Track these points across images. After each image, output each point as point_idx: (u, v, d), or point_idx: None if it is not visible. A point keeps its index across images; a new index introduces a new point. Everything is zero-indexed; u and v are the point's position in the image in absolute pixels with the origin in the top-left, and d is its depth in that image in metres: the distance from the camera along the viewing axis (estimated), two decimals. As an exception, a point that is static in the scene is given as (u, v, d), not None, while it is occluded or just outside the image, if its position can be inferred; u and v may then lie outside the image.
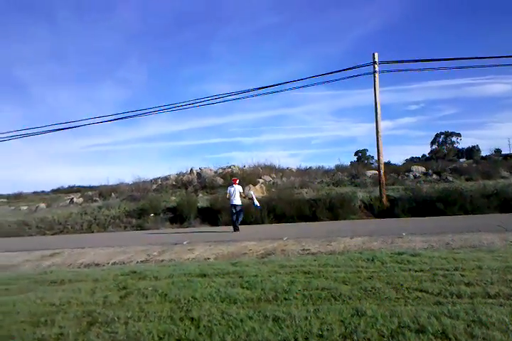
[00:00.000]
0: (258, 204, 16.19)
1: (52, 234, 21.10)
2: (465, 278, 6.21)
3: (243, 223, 16.61)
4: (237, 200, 15.22)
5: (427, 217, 15.88)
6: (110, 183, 32.08)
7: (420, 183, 22.73)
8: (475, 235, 10.43)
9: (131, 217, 21.28)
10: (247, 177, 25.17)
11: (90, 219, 21.81)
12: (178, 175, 30.02)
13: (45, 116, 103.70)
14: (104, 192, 30.02)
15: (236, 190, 15.31)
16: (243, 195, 15.87)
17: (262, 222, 17.87)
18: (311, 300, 5.70)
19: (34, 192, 44.07)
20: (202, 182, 27.37)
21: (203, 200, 21.94)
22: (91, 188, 36.03)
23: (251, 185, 22.93)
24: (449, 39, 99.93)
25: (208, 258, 10.57)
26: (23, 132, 20.74)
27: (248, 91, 19.63)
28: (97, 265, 11.34)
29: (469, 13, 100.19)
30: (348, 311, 5.06)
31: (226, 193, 16.00)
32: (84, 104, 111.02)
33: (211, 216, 19.55)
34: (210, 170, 29.61)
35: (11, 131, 20.79)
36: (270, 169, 29.12)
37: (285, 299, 5.83)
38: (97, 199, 28.84)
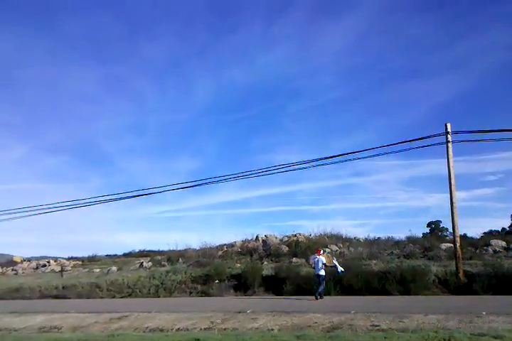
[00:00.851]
0: (342, 269, 16.28)
1: (121, 297, 21.64)
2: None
3: (308, 294, 16.37)
4: (321, 271, 15.60)
5: (509, 296, 14.53)
6: (178, 248, 32.80)
7: (501, 258, 21.03)
8: None
9: (197, 283, 21.43)
10: (313, 245, 24.75)
11: (158, 283, 22.21)
12: (244, 241, 30.17)
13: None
14: (172, 257, 30.63)
15: (320, 260, 15.74)
16: (327, 265, 16.02)
17: (328, 294, 17.20)
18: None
19: (107, 255, 45.85)
20: (267, 249, 27.23)
21: (267, 268, 21.73)
22: (160, 253, 36.89)
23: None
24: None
25: (272, 329, 10.32)
26: (102, 198, 22.34)
27: (316, 160, 20.06)
28: (162, 330, 11.45)
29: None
30: None
31: (311, 263, 16.84)
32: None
33: (276, 284, 19.20)
34: (276, 237, 29.51)
35: (92, 197, 22.45)
36: (337, 238, 28.49)
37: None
38: (165, 263, 29.45)
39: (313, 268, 15.95)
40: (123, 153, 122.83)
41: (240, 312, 12.81)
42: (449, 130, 18.12)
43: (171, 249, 33.50)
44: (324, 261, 15.75)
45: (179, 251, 31.99)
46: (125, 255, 43.81)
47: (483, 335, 7.69)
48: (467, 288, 16.16)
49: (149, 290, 21.70)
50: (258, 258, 26.07)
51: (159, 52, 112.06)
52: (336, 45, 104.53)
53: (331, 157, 20.20)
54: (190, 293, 20.75)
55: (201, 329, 11.11)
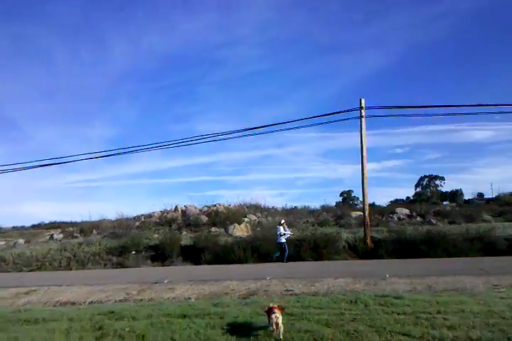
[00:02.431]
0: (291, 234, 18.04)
1: (29, 271, 20.41)
2: (447, 321, 6.18)
3: (226, 262, 16.74)
4: (281, 239, 17.08)
5: (410, 259, 15.84)
6: (92, 219, 31.52)
7: (404, 225, 22.83)
8: (458, 278, 10.43)
9: (112, 255, 20.78)
10: (232, 216, 25.04)
11: (69, 255, 21.22)
12: (163, 212, 29.70)
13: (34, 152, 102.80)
14: (85, 228, 29.41)
15: (278, 230, 17.31)
16: (284, 233, 17.40)
17: (246, 262, 17.61)
18: (293, 343, 5.60)
19: (14, 227, 42.99)
20: (186, 220, 27.09)
21: (186, 238, 21.65)
22: (72, 224, 35.24)
23: (236, 224, 22.79)
24: (439, 86, 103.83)
25: (189, 298, 10.32)
26: (7, 167, 20.52)
27: (235, 132, 19.94)
28: (74, 304, 10.97)
29: (458, 61, 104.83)
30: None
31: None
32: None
33: (194, 254, 19.21)
34: (195, 208, 29.40)
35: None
36: (256, 208, 29.06)
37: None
38: (78, 235, 28.24)
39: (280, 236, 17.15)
40: (31, 119, 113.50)
41: (156, 283, 12.67)
42: (363, 105, 18.84)
43: (85, 220, 32.19)
44: (281, 231, 17.12)
45: (93, 222, 30.77)
46: (34, 227, 41.37)
47: (385, 296, 8.27)
48: (374, 253, 17.36)
49: (60, 263, 20.67)
50: (177, 228, 25.87)
51: (72, 12, 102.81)
52: (260, 17, 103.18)
53: (252, 128, 20.22)
54: (105, 264, 20.09)
55: (116, 301, 10.81)
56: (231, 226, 23.12)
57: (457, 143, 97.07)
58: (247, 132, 19.78)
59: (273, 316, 5.85)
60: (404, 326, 6.07)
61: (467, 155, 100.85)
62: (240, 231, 22.69)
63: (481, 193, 47.37)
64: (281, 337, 5.80)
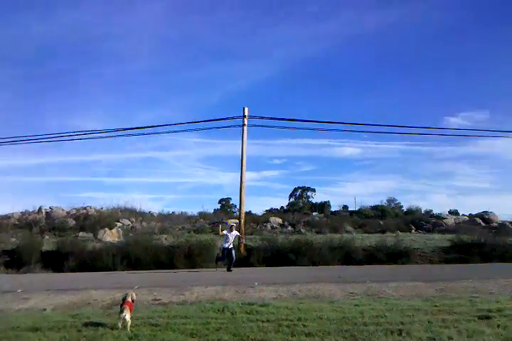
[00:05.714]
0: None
1: None
2: (306, 328, 6.49)
3: (93, 270, 15.85)
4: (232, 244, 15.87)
5: (279, 267, 16.53)
6: None
7: (276, 234, 23.81)
8: (319, 285, 11.09)
9: (-43, 260, 18.20)
10: (104, 220, 23.74)
11: None
12: (23, 213, 26.97)
13: None
14: None
15: (234, 235, 16.09)
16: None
17: (114, 269, 16.72)
18: (154, 356, 5.39)
19: None
20: (50, 223, 24.91)
21: (49, 243, 19.88)
22: None
23: (106, 229, 21.61)
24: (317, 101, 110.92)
25: (44, 309, 9.40)
26: None
27: (116, 130, 19.05)
28: None
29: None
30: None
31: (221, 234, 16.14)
32: None
33: (57, 260, 17.67)
34: (62, 210, 27.25)
35: None
36: (130, 212, 27.95)
37: (126, 355, 5.43)
38: None
39: (225, 241, 15.69)
40: None
41: (8, 292, 11.35)
42: (246, 114, 19.35)
43: None
44: (233, 234, 15.94)
45: None
46: None
47: (252, 304, 8.45)
48: (246, 261, 17.77)
49: None
50: (39, 232, 23.64)
51: None
52: (149, 13, 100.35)
53: (134, 128, 19.54)
54: None
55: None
56: (101, 231, 21.85)
57: (329, 158, 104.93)
58: (126, 132, 19.03)
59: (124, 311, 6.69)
60: (266, 333, 6.23)
61: (336, 169, 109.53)
62: (111, 236, 21.56)
63: (345, 206, 51.52)
64: (128, 330, 6.51)
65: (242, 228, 18.95)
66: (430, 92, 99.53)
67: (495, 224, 32.01)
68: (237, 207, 21.49)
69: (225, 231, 15.90)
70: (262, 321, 7.03)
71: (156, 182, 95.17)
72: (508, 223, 31.93)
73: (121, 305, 6.86)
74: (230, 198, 62.69)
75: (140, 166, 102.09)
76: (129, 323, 6.63)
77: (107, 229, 21.98)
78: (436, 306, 8.11)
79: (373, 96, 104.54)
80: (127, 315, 6.64)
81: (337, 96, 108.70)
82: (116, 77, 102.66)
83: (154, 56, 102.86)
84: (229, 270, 15.60)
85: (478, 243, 19.16)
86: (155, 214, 30.00)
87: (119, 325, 6.66)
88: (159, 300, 9.92)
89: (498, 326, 6.40)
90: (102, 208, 27.85)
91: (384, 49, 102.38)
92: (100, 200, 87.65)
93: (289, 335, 6.12)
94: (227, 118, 19.39)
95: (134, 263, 17.24)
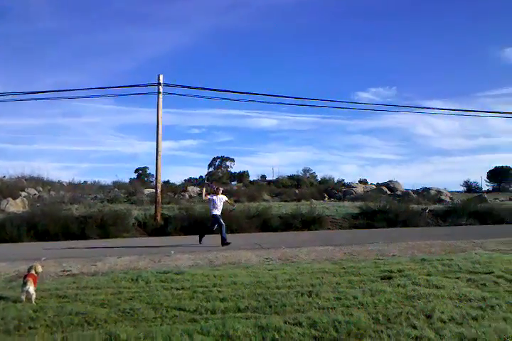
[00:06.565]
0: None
1: None
2: (221, 293, 6.54)
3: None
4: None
5: (196, 236, 16.50)
6: None
7: (194, 203, 23.71)
8: (236, 252, 11.28)
9: None
10: (7, 189, 21.96)
11: None
12: None
13: None
14: None
15: (220, 199, 13.56)
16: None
17: (20, 241, 15.66)
18: (61, 328, 5.15)
19: None
20: None
21: None
22: None
23: (10, 198, 20.06)
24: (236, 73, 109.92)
25: None
26: None
27: (18, 93, 17.40)
28: None
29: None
30: (101, 336, 4.73)
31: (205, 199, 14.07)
32: None
33: None
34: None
35: None
36: (37, 181, 26.12)
37: (30, 328, 5.13)
38: None
39: (214, 207, 13.32)
40: None
41: None
42: (161, 81, 18.64)
43: None
44: (221, 199, 13.56)
45: None
46: None
47: (167, 273, 8.33)
48: (163, 230, 17.54)
49: None
50: None
51: None
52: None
53: (39, 92, 17.99)
54: None
55: None
56: (4, 201, 20.25)
57: (246, 129, 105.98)
58: (29, 96, 17.46)
59: (28, 283, 6.32)
60: (181, 301, 6.18)
61: (255, 139, 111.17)
62: (15, 206, 20.07)
63: (264, 175, 52.82)
64: (33, 302, 6.24)
65: (159, 197, 18.59)
66: (344, 68, 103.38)
67: (399, 193, 34.66)
68: (154, 176, 20.95)
69: (209, 196, 13.61)
70: (177, 289, 6.96)
71: (66, 150, 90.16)
72: (411, 191, 34.75)
73: (25, 278, 6.48)
74: (147, 167, 61.26)
75: (47, 133, 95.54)
76: (34, 296, 6.31)
77: (10, 198, 20.39)
78: (344, 268, 8.57)
79: (290, 70, 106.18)
80: (31, 288, 6.29)
81: (255, 68, 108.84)
82: (17, 37, 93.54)
83: (59, 16, 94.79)
84: (225, 243, 12.94)
85: (384, 210, 20.63)
86: (65, 184, 28.35)
87: (23, 298, 6.28)
88: (69, 271, 9.45)
89: (398, 285, 6.90)
90: (4, 177, 25.74)
91: (300, 22, 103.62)
92: (2, 169, 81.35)
93: (204, 301, 6.12)
94: (140, 85, 18.56)
95: (41, 234, 16.22)
